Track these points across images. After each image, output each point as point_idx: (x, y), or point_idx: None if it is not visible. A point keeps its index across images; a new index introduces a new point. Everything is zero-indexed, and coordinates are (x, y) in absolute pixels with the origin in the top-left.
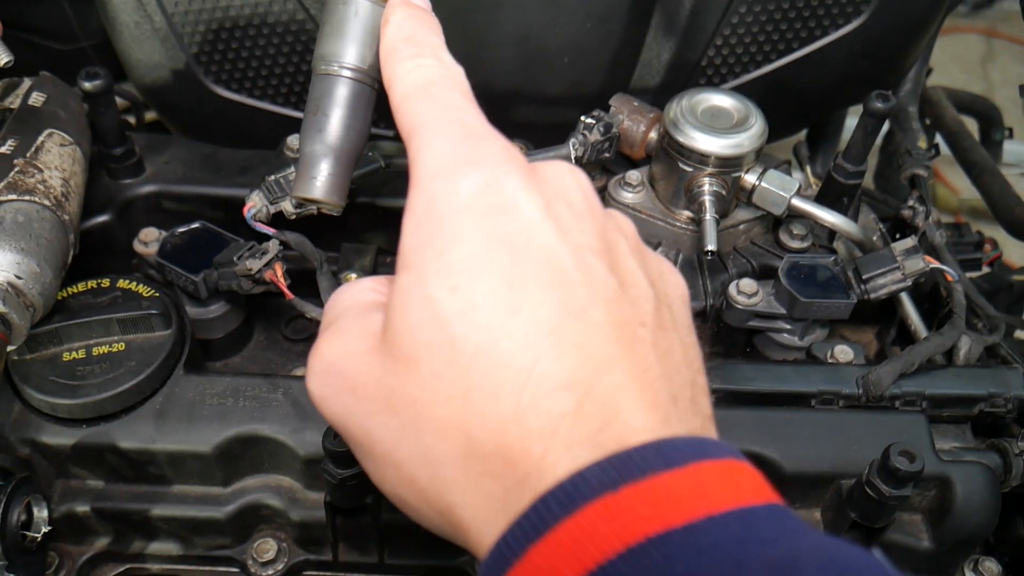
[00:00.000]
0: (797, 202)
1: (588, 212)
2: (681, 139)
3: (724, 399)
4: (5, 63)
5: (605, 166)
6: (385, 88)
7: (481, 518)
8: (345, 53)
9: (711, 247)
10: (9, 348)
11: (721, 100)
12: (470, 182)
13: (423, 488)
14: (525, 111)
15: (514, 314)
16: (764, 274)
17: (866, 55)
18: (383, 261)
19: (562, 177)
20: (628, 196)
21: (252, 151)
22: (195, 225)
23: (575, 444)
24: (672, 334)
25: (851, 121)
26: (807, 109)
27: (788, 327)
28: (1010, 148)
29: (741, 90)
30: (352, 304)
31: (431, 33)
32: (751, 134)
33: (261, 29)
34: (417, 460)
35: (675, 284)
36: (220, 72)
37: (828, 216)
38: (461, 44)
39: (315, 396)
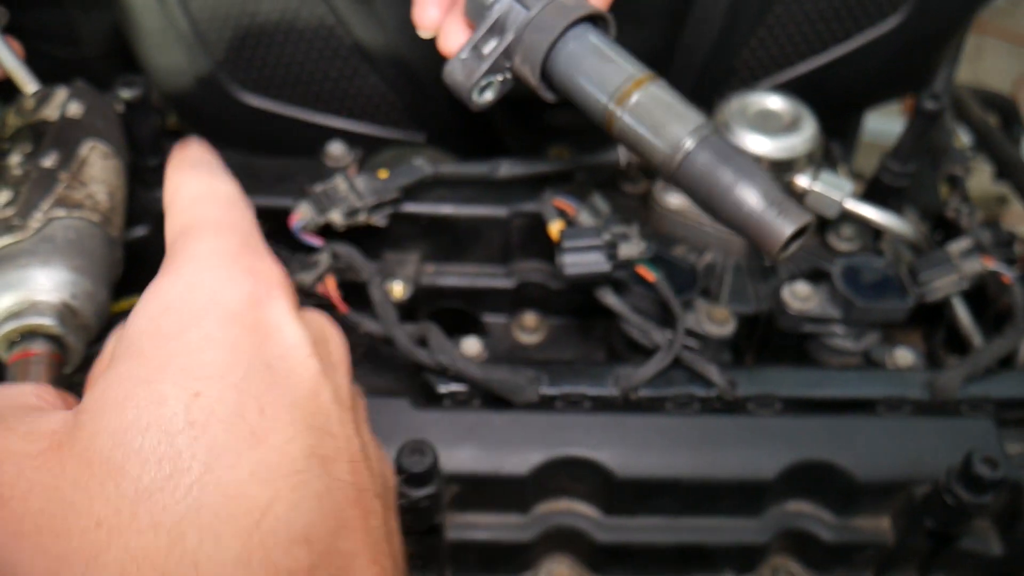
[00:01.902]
0: (850, 205)
1: (345, 367)
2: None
3: (788, 407)
4: (33, 93)
5: (647, 171)
6: (166, 196)
7: None
8: None
9: None
10: (65, 371)
11: (772, 102)
12: (242, 289)
13: None
14: (561, 115)
15: (259, 442)
16: (815, 278)
17: (901, 53)
18: (425, 270)
19: (325, 325)
20: (673, 201)
21: (288, 160)
22: None
23: None
24: (393, 518)
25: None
26: (840, 109)
27: (841, 331)
28: None
29: (774, 90)
30: (12, 404)
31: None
32: (804, 136)
33: (289, 35)
34: None
35: (391, 472)
36: (246, 79)
37: (883, 218)
38: None
39: None
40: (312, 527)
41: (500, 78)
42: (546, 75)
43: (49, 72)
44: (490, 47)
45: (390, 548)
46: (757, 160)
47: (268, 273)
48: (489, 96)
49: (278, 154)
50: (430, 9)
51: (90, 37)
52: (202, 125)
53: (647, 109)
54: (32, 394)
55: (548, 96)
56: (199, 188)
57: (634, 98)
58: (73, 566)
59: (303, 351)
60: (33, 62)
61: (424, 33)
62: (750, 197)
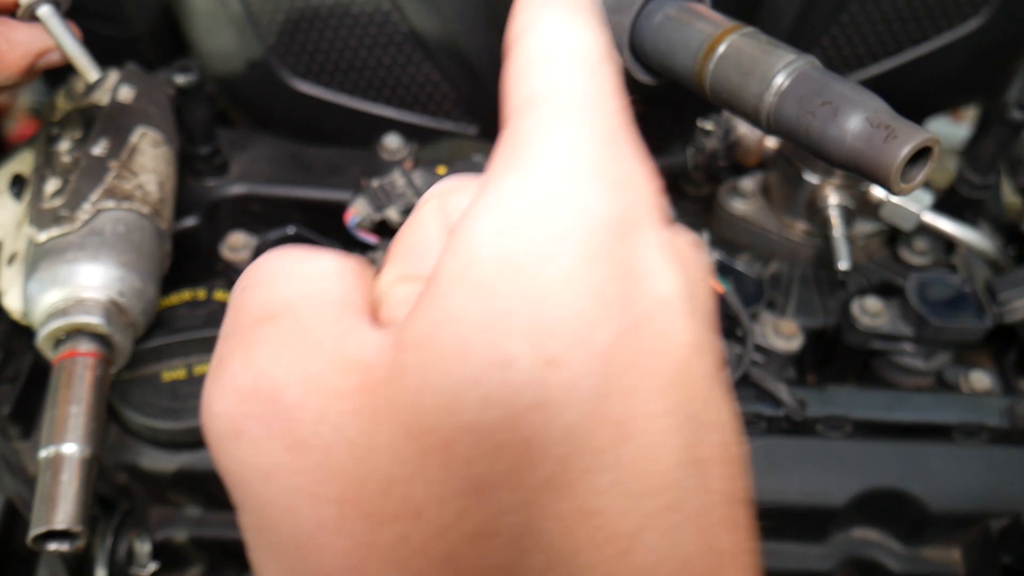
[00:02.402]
0: (929, 217)
1: (710, 320)
2: None
3: (858, 429)
4: (95, 80)
5: (711, 174)
6: (510, 38)
7: None
8: None
9: (844, 265)
10: (112, 371)
11: None
12: (611, 211)
13: None
14: None
15: (624, 439)
16: (885, 292)
17: (978, 58)
18: None
19: (694, 259)
20: (740, 206)
21: (340, 150)
22: (289, 231)
23: None
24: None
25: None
26: (913, 111)
27: (911, 350)
28: None
29: None
30: (312, 292)
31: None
32: None
33: (344, 20)
34: None
35: None
36: (298, 64)
37: (964, 233)
38: None
39: (221, 427)
40: (688, 564)
41: None
42: (637, 55)
43: (94, 51)
44: None
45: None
46: (855, 84)
47: (640, 187)
48: None
49: (327, 143)
50: None
51: (138, 15)
52: (251, 111)
53: (735, 59)
54: (333, 274)
55: (644, 78)
56: (559, 36)
57: (720, 49)
58: (381, 563)
59: (678, 305)
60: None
61: None
62: (854, 121)
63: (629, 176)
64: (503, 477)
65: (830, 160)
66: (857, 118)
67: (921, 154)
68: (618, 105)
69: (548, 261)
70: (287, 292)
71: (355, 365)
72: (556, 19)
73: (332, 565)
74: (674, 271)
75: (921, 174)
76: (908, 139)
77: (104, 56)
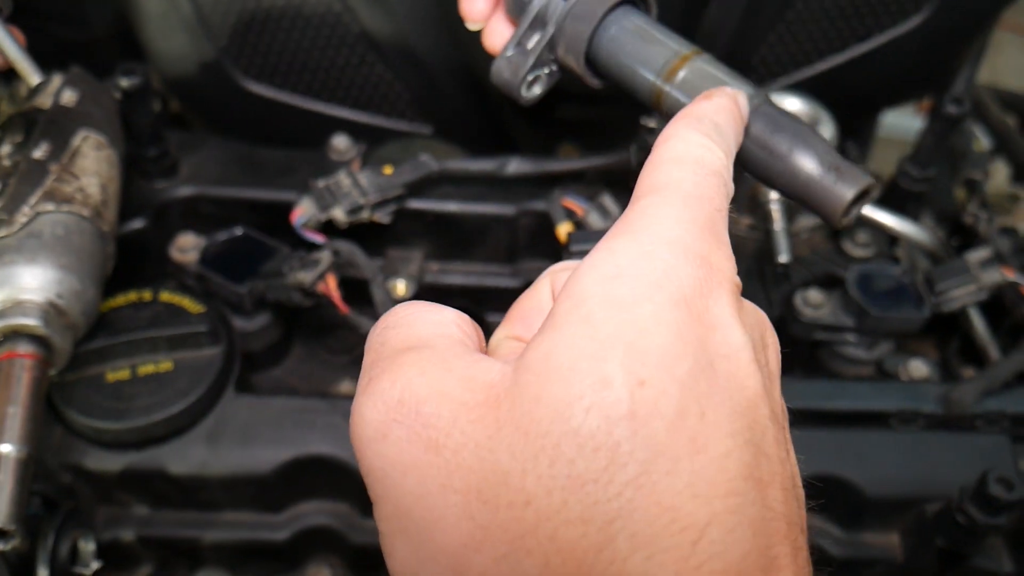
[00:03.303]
0: (867, 210)
1: (778, 379)
2: None
3: (799, 418)
4: (36, 84)
5: None
6: (657, 142)
7: None
8: None
9: (784, 258)
10: (51, 372)
11: (789, 103)
12: (695, 273)
13: None
14: (571, 110)
15: (698, 451)
16: (827, 284)
17: (922, 54)
18: (429, 268)
19: (767, 329)
20: None
21: (291, 151)
22: (236, 231)
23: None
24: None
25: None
26: (857, 109)
27: (854, 340)
28: None
29: (791, 90)
30: (443, 334)
31: (734, 139)
32: None
33: (295, 21)
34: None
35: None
36: (250, 65)
37: (901, 225)
38: None
39: (370, 431)
40: (745, 559)
41: (546, 71)
42: (591, 62)
43: (55, 54)
44: (533, 41)
45: None
46: (812, 127)
47: (723, 265)
48: (537, 90)
49: (281, 144)
50: (478, 2)
51: (98, 18)
52: (205, 112)
53: (695, 84)
54: (454, 323)
55: (594, 83)
56: (689, 149)
57: (681, 74)
58: (496, 541)
59: (747, 355)
60: (39, 44)
61: (472, 25)
62: (807, 163)
63: (713, 254)
64: (599, 474)
65: (781, 191)
66: (810, 160)
67: (861, 194)
68: (719, 205)
69: (642, 303)
70: (423, 331)
71: (481, 385)
72: (691, 136)
73: (456, 542)
74: (743, 329)
75: (858, 210)
76: (854, 183)
77: (64, 59)
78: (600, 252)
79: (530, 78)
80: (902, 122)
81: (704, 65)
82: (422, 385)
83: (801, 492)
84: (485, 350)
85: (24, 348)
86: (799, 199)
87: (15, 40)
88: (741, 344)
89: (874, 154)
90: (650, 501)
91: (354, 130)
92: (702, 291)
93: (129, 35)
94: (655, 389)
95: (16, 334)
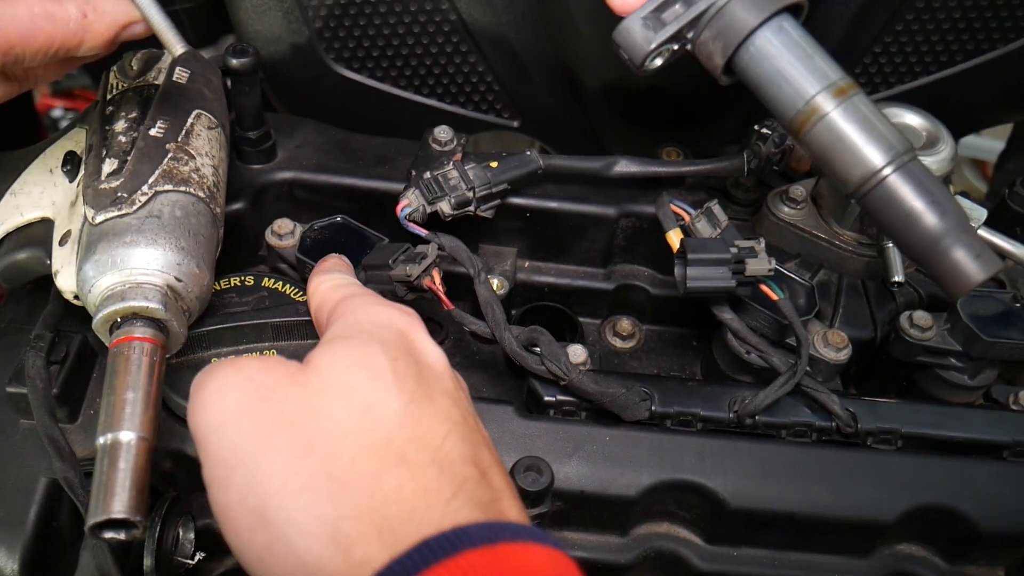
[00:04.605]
0: (983, 233)
1: (453, 376)
2: None
3: (909, 444)
4: (181, 54)
5: (761, 179)
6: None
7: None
8: None
9: (899, 278)
10: (167, 356)
11: (910, 118)
12: (393, 315)
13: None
14: (666, 111)
15: (433, 399)
16: (932, 306)
17: None
18: (521, 265)
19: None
20: (789, 212)
21: (388, 139)
22: (336, 219)
23: (472, 502)
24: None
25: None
26: (961, 126)
27: (958, 365)
28: None
29: (912, 105)
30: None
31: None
32: (941, 157)
33: (392, 7)
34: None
35: None
36: (343, 50)
37: (1013, 248)
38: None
39: (210, 394)
40: (475, 455)
41: (676, 47)
42: (733, 60)
43: None
44: (674, 13)
45: (518, 496)
46: (953, 195)
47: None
48: (658, 62)
49: (367, 129)
50: None
51: None
52: (293, 96)
53: (844, 125)
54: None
55: (724, 80)
56: (338, 279)
57: (832, 110)
58: (318, 451)
59: (443, 360)
60: None
61: None
62: (948, 234)
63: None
64: (381, 404)
65: (908, 252)
66: (954, 231)
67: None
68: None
69: (382, 328)
70: None
71: (296, 363)
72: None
73: (285, 462)
74: (439, 349)
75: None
76: (991, 266)
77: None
78: (347, 321)
79: (660, 50)
80: (974, 142)
81: (860, 104)
82: (252, 362)
83: (493, 455)
84: None
85: (143, 331)
86: (928, 264)
87: (159, 7)
88: (437, 353)
89: None
90: (415, 420)
91: (441, 119)
92: (402, 326)
93: (208, 11)
94: (405, 364)
95: (135, 316)
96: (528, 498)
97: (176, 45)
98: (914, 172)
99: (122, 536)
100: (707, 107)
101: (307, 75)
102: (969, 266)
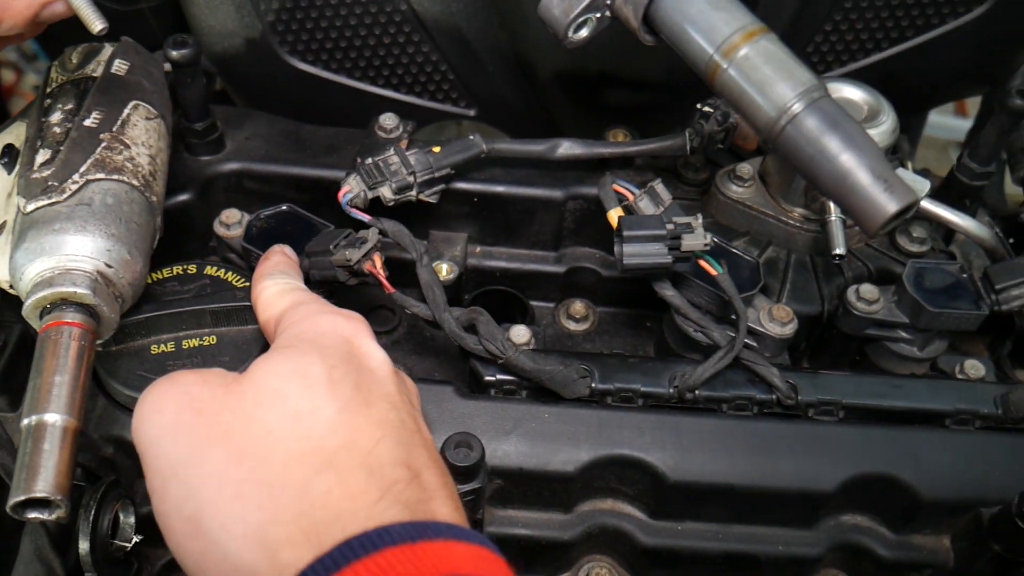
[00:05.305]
0: (927, 204)
1: (398, 378)
2: None
3: (851, 415)
4: (100, 30)
5: (710, 158)
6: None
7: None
8: None
9: (840, 251)
10: (98, 342)
11: (851, 92)
12: (337, 321)
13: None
14: (616, 94)
15: (369, 404)
16: (881, 279)
17: (981, 48)
18: (472, 251)
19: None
20: (737, 190)
21: (337, 129)
22: (282, 208)
23: (400, 503)
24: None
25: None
26: (914, 102)
27: (907, 337)
28: None
29: (853, 79)
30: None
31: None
32: (882, 130)
33: None
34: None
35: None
36: (297, 43)
37: (962, 221)
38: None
39: (148, 408)
40: (408, 458)
41: (598, 15)
42: (648, 17)
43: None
44: None
45: (456, 496)
46: (864, 130)
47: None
48: (584, 33)
49: (323, 122)
50: None
51: None
52: (249, 90)
53: (755, 64)
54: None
55: (647, 39)
56: (282, 284)
57: (743, 51)
58: (250, 459)
59: (387, 365)
60: None
61: None
62: (857, 168)
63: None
64: (312, 412)
65: (822, 190)
66: (862, 164)
67: (905, 209)
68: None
69: (324, 335)
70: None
71: (229, 376)
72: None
73: (220, 469)
74: (383, 352)
75: (894, 224)
76: (902, 198)
77: (113, 30)
78: (295, 330)
79: (580, 20)
80: (942, 121)
81: (769, 45)
82: (189, 376)
83: (437, 462)
84: None
85: (72, 317)
86: (840, 202)
87: None
88: (381, 358)
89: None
90: (347, 427)
91: (398, 110)
92: (348, 331)
93: (174, 8)
94: (341, 371)
95: (64, 302)
96: (460, 474)
97: (95, 22)
98: (825, 108)
99: (45, 516)
100: (662, 90)
101: (262, 69)
102: (880, 198)
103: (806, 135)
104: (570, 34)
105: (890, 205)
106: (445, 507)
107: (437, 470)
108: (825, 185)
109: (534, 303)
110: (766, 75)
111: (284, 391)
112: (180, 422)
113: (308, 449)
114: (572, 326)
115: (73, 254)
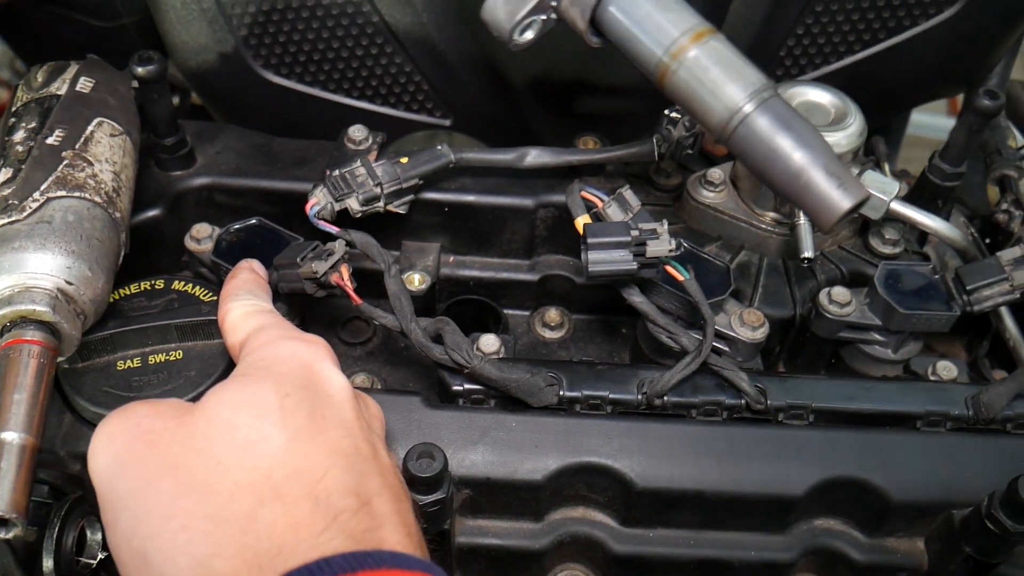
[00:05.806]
0: (897, 206)
1: (357, 403)
2: None
3: (820, 418)
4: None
5: (682, 163)
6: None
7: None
8: None
9: (808, 253)
10: (59, 359)
11: (818, 95)
12: (297, 348)
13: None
14: (590, 102)
15: (321, 432)
16: (854, 281)
17: (954, 48)
18: (445, 261)
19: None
20: (709, 195)
21: (308, 141)
22: (251, 221)
23: (344, 533)
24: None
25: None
26: (888, 104)
27: (881, 339)
28: None
29: (819, 83)
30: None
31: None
32: (849, 132)
33: (315, 12)
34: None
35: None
36: (270, 56)
37: (931, 222)
38: None
39: (102, 441)
40: (358, 487)
41: (544, 17)
42: (595, 19)
43: (84, 43)
44: None
45: (410, 521)
46: (815, 128)
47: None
48: (529, 36)
49: (301, 135)
50: None
51: (126, 7)
52: (223, 104)
53: (705, 65)
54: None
55: (594, 42)
56: (247, 306)
57: (692, 52)
58: (197, 491)
59: (346, 391)
60: (68, 32)
61: None
62: (810, 166)
63: (307, 338)
64: (262, 441)
65: (775, 188)
66: (814, 163)
67: (857, 205)
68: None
69: (281, 363)
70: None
71: (181, 407)
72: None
73: (168, 500)
74: (343, 377)
75: (847, 219)
76: (854, 194)
77: (92, 48)
78: (260, 353)
79: (526, 23)
80: (934, 122)
81: (718, 45)
82: (141, 408)
83: (390, 461)
84: None
85: (31, 335)
86: (795, 199)
87: None
88: (341, 384)
89: (904, 153)
90: (295, 456)
91: (374, 122)
92: (308, 358)
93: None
94: (294, 399)
95: (24, 320)
96: (423, 484)
97: None
98: (775, 108)
99: (3, 534)
100: (637, 96)
101: (237, 83)
102: (833, 195)
103: (758, 135)
104: (515, 37)
105: (844, 201)
106: (396, 534)
107: (390, 496)
108: (779, 183)
109: (509, 312)
110: (716, 76)
111: (234, 421)
112: (131, 454)
113: (256, 480)
114: (547, 334)
115: (33, 272)
